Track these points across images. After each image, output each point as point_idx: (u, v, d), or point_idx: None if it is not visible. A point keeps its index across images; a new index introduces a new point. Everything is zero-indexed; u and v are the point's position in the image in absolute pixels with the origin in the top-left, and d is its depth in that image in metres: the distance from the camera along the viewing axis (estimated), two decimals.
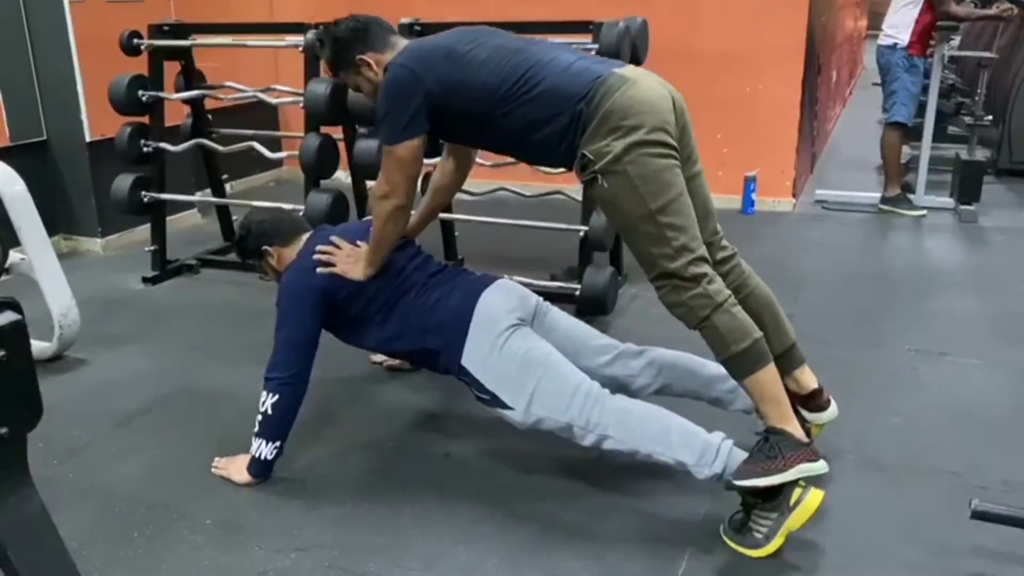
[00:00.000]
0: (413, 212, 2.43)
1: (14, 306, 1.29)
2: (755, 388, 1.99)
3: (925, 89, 5.17)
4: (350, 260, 2.28)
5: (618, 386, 2.22)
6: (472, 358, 2.16)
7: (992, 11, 5.33)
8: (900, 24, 4.84)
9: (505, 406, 2.13)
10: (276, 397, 2.16)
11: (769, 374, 1.99)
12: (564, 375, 2.11)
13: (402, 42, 2.27)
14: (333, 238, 2.34)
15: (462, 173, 2.57)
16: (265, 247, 2.41)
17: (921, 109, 5.15)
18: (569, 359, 2.17)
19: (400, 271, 2.30)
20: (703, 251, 1.99)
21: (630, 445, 2.04)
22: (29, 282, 2.86)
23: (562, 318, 2.37)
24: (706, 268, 1.98)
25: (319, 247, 2.30)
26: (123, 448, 2.48)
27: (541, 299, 2.36)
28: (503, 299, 2.23)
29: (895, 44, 4.86)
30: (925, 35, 4.86)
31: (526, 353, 2.13)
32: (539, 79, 2.05)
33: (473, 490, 2.23)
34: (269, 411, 2.17)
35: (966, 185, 4.92)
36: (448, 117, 2.14)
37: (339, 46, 2.27)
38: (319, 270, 2.26)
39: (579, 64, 2.08)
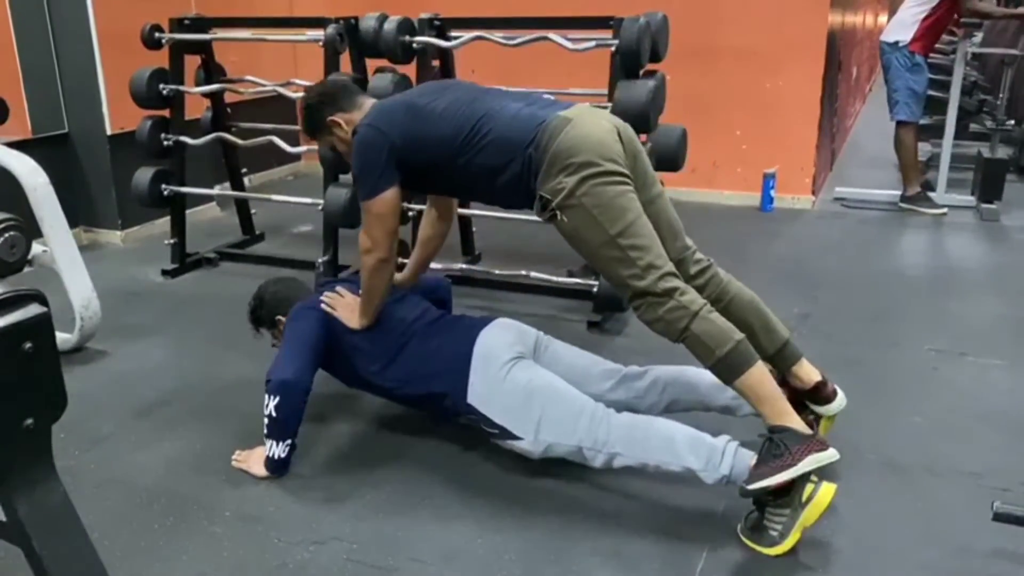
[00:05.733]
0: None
1: (40, 299, 1.30)
2: (747, 390, 2.01)
3: (943, 85, 5.11)
4: (349, 307, 2.39)
5: (627, 409, 2.23)
6: (477, 395, 2.21)
7: (1021, 10, 5.25)
8: (905, 21, 4.78)
9: (515, 437, 2.18)
10: (277, 399, 2.19)
11: (758, 374, 2.01)
12: (568, 399, 2.15)
13: (369, 102, 2.37)
14: (338, 287, 2.46)
15: (446, 222, 2.63)
16: (279, 317, 2.51)
17: (942, 106, 5.09)
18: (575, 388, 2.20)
19: (400, 322, 2.38)
20: (670, 267, 2.05)
21: (639, 459, 2.07)
22: (50, 273, 2.88)
23: (564, 349, 2.41)
24: (676, 282, 2.03)
25: (326, 293, 2.43)
26: (144, 439, 2.50)
27: (541, 334, 2.42)
28: (501, 335, 2.29)
29: (896, 41, 4.80)
30: (932, 33, 4.80)
31: (528, 383, 2.17)
32: (488, 128, 2.15)
33: (491, 484, 2.24)
34: (273, 412, 2.20)
35: (988, 183, 4.88)
36: (417, 168, 2.24)
37: (310, 111, 2.41)
38: (323, 306, 2.38)
39: (525, 111, 2.17)
